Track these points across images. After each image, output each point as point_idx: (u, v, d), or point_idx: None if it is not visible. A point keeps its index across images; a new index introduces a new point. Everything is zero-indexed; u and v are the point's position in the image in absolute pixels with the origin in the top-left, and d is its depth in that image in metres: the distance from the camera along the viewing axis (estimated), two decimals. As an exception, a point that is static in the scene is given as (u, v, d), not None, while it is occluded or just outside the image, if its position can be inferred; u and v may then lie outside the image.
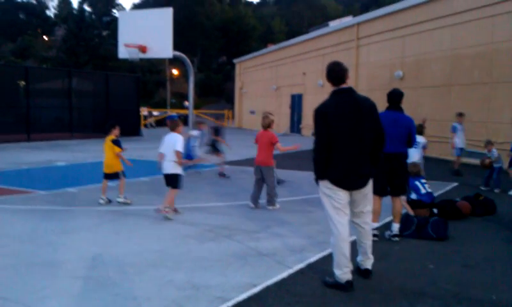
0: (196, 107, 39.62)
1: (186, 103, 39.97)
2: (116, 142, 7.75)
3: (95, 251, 5.25)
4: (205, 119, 12.29)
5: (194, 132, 11.26)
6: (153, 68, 58.40)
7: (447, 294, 4.23)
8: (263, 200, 7.74)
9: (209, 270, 4.71)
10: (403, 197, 6.38)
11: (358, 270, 4.49)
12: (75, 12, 71.22)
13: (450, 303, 4.05)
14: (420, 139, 9.45)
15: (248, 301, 3.96)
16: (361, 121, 4.17)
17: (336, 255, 4.25)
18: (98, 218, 6.87)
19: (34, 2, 77.12)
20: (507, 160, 9.67)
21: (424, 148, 9.53)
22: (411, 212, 6.64)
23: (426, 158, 9.77)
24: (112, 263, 4.89)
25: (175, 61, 50.68)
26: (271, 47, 34.40)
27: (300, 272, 4.70)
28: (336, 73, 4.27)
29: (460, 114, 11.98)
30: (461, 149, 11.84)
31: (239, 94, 38.14)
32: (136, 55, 12.49)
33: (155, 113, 38.06)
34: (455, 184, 10.38)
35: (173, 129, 7.00)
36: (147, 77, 55.44)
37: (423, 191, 6.99)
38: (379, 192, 5.49)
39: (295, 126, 28.45)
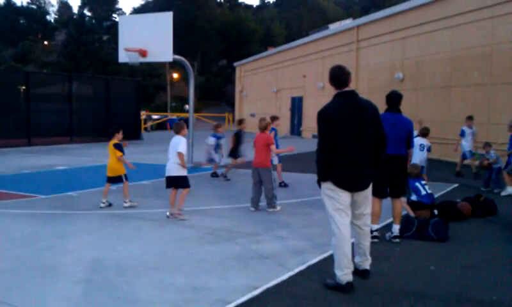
0: (197, 110, 39.70)
1: (187, 106, 39.94)
2: (117, 147, 7.81)
3: (95, 255, 5.25)
4: (220, 122, 12.36)
5: (211, 140, 11.39)
6: (153, 71, 58.54)
7: (448, 295, 4.22)
8: (263, 202, 7.74)
9: (210, 272, 4.71)
10: (403, 199, 6.38)
11: (357, 271, 4.50)
12: (75, 17, 71.52)
13: (451, 304, 4.04)
14: (424, 141, 9.48)
15: (249, 303, 3.96)
16: (364, 123, 4.24)
17: (337, 256, 4.26)
18: (98, 222, 6.88)
19: (35, 7, 77.35)
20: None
21: (429, 150, 9.56)
22: (412, 213, 6.63)
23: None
24: (112, 266, 4.89)
25: (175, 65, 50.77)
26: (271, 50, 34.49)
27: (300, 274, 4.69)
28: (339, 76, 4.35)
29: (469, 118, 11.84)
30: (470, 152, 11.71)
31: (239, 97, 38.18)
32: (136, 59, 12.51)
33: (154, 117, 38.05)
34: (455, 185, 10.38)
35: (177, 132, 7.09)
36: (147, 81, 55.53)
37: (423, 192, 6.98)
38: (378, 194, 5.50)
39: (295, 128, 28.47)
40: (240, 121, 11.50)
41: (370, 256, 4.59)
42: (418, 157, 9.25)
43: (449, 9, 15.50)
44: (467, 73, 14.92)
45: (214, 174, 11.37)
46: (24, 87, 20.53)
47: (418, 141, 9.46)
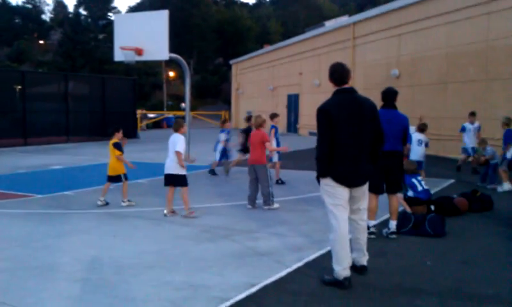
0: (193, 108, 39.67)
1: (183, 105, 39.95)
2: (116, 146, 7.82)
3: (92, 254, 5.24)
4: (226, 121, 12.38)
5: (222, 136, 11.38)
6: (149, 70, 58.32)
7: (445, 290, 4.24)
8: (260, 200, 7.74)
9: (207, 270, 4.71)
10: (400, 195, 6.39)
11: (354, 267, 4.52)
12: (71, 16, 71.17)
13: (448, 299, 4.06)
14: (422, 136, 9.53)
15: (246, 301, 3.96)
16: (362, 120, 4.28)
17: (336, 251, 4.28)
18: (95, 220, 6.87)
19: (30, 6, 76.96)
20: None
21: (427, 146, 9.59)
22: (409, 209, 6.65)
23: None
24: (109, 265, 4.88)
25: (171, 63, 50.61)
26: (267, 48, 34.46)
27: (298, 270, 4.70)
28: (340, 73, 4.39)
29: (472, 114, 11.82)
30: (473, 148, 11.65)
31: (236, 95, 38.14)
32: (132, 57, 12.46)
33: (150, 115, 37.95)
34: (452, 181, 10.41)
35: (176, 130, 7.08)
36: (143, 80, 55.34)
37: (420, 188, 7.00)
38: (375, 190, 5.51)
39: (292, 126, 28.48)
40: (249, 118, 11.50)
41: (367, 252, 4.61)
42: (416, 152, 9.30)
43: (445, 6, 15.52)
44: (463, 69, 14.95)
45: (212, 172, 11.37)
46: (19, 87, 20.45)
47: (416, 136, 9.51)
